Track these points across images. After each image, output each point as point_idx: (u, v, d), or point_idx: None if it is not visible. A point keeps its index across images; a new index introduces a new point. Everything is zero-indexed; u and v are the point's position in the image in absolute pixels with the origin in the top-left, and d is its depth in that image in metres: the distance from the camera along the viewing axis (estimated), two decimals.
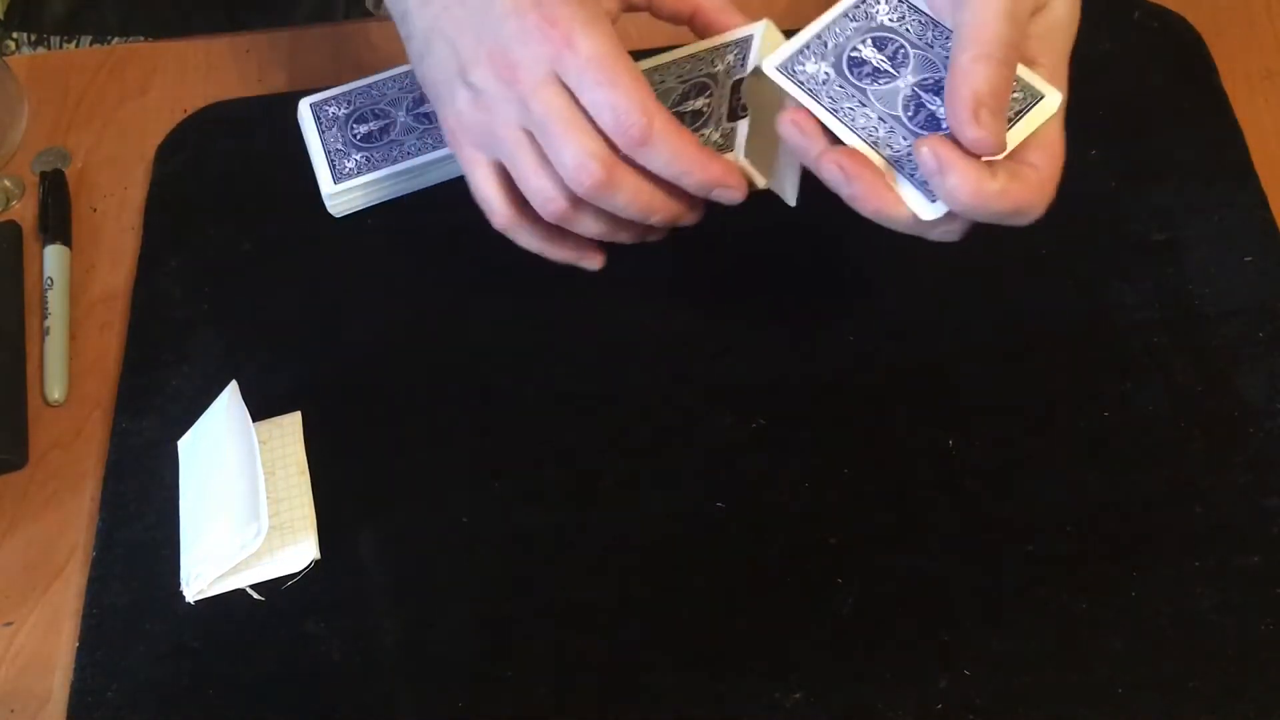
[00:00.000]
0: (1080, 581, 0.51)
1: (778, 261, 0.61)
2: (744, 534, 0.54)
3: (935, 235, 0.49)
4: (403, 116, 0.65)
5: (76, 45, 0.78)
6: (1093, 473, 0.54)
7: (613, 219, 0.53)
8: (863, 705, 0.50)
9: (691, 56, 0.56)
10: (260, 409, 0.58)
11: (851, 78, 0.49)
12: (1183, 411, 0.55)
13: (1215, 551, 0.52)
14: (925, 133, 0.47)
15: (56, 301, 0.63)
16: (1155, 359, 0.56)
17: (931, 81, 0.48)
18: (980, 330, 0.58)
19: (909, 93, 0.49)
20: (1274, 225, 0.60)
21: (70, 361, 0.62)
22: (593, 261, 0.57)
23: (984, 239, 0.61)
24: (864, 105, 0.49)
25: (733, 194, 0.51)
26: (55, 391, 0.61)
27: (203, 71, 0.72)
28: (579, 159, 0.49)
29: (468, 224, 0.64)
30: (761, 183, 0.53)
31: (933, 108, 0.48)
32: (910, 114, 0.48)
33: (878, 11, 0.50)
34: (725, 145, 0.52)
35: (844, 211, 0.63)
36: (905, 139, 0.48)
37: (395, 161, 0.64)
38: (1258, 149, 0.62)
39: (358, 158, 0.64)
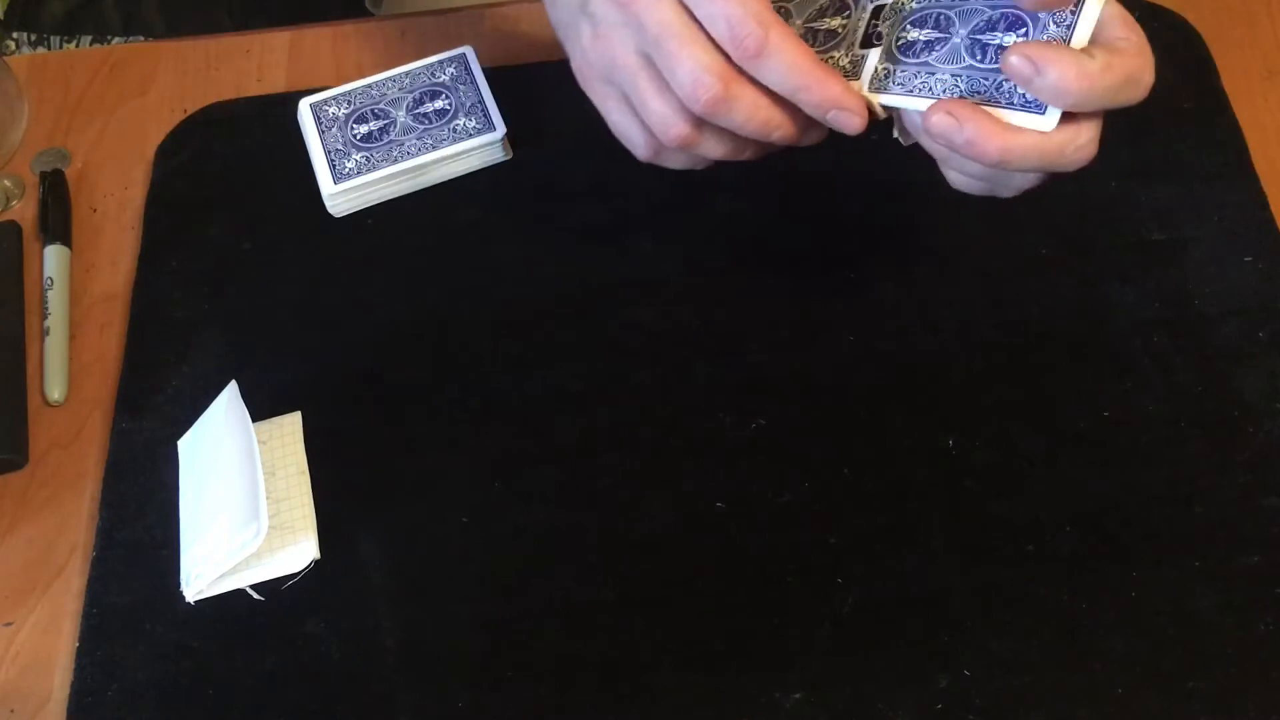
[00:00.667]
0: (1080, 581, 0.51)
1: (778, 261, 0.61)
2: (744, 534, 0.54)
3: (1070, 157, 0.46)
4: (403, 116, 0.65)
5: (76, 45, 0.78)
6: (1093, 473, 0.54)
7: (736, 138, 0.51)
8: (863, 705, 0.50)
9: None
10: (260, 409, 0.58)
11: (907, 59, 0.49)
12: (1183, 411, 0.55)
13: (1215, 551, 0.52)
14: (999, 66, 0.45)
15: (56, 301, 0.63)
16: (1155, 359, 0.56)
17: (983, 23, 0.47)
18: (980, 330, 0.58)
19: (967, 43, 0.47)
20: (1274, 225, 0.60)
21: (70, 361, 0.62)
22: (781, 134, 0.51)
23: (985, 239, 0.61)
24: (933, 74, 0.47)
25: (850, 119, 0.48)
26: (55, 391, 0.61)
27: (203, 71, 0.72)
28: (695, 74, 0.48)
29: (468, 224, 0.65)
30: (883, 113, 0.50)
31: (995, 42, 0.46)
32: (979, 57, 0.47)
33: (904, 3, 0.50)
34: (852, 73, 0.50)
35: (844, 212, 0.63)
36: (986, 78, 0.46)
37: (395, 161, 0.64)
38: (1258, 149, 0.62)
39: (358, 158, 0.64)
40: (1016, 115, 0.45)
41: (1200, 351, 0.56)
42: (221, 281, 0.64)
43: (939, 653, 0.50)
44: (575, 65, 0.53)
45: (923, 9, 0.49)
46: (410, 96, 0.66)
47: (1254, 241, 0.59)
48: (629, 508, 0.55)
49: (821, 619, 0.51)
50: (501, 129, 0.65)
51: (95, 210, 0.68)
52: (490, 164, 0.66)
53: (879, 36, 0.50)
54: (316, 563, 0.55)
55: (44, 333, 0.63)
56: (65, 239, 0.66)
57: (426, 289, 0.62)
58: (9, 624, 0.56)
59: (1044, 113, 0.45)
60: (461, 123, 0.65)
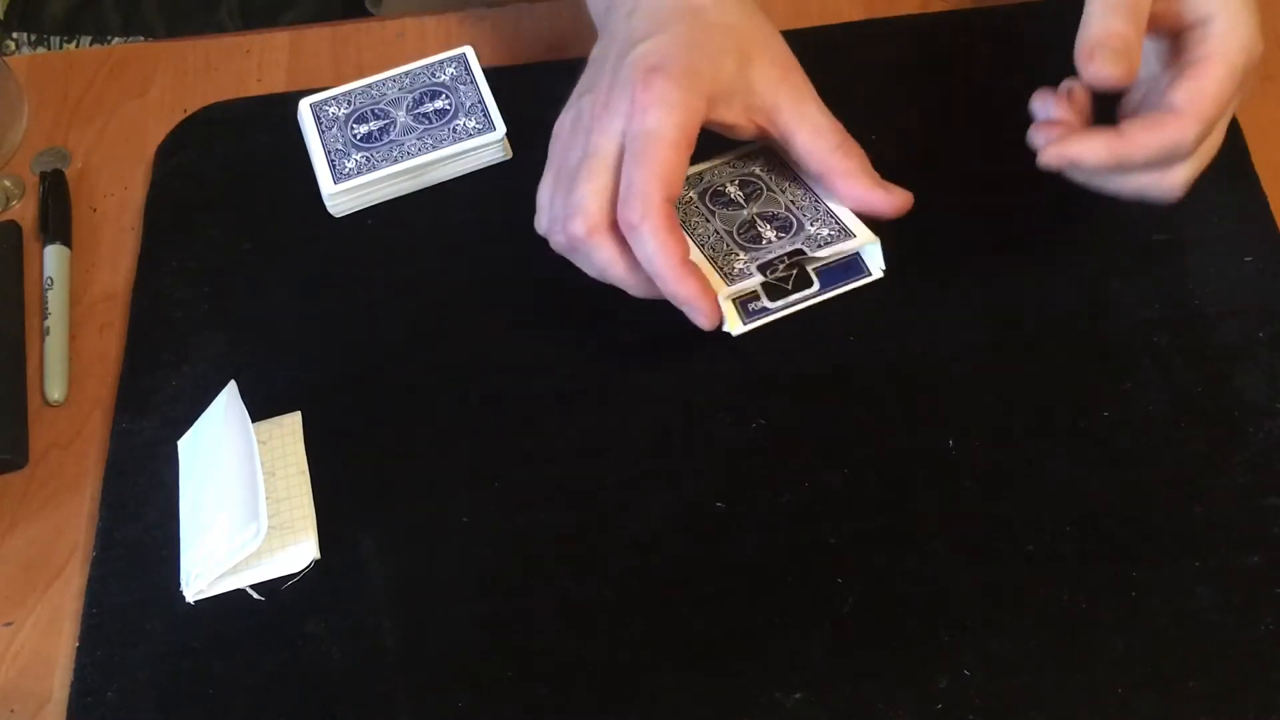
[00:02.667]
0: (1080, 581, 0.51)
1: None
2: (744, 534, 0.54)
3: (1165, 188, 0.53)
4: (403, 116, 0.65)
5: (76, 45, 0.78)
6: (1093, 473, 0.54)
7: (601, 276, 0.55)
8: (863, 705, 0.50)
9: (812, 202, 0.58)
10: (260, 409, 0.58)
11: (708, 203, 0.57)
12: (1183, 411, 0.55)
13: (1215, 551, 0.52)
14: (748, 246, 0.55)
15: (56, 301, 0.63)
16: (1155, 359, 0.56)
17: (769, 214, 0.56)
18: (980, 330, 0.58)
19: (747, 219, 0.56)
20: (1274, 225, 0.60)
21: (70, 361, 0.62)
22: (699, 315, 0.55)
23: (985, 239, 0.61)
24: (708, 221, 0.56)
25: (700, 318, 0.53)
26: (55, 391, 0.61)
27: (203, 71, 0.72)
28: (574, 206, 0.52)
29: (468, 224, 0.65)
30: (736, 330, 0.55)
31: (760, 229, 0.56)
32: (741, 232, 0.56)
33: (755, 164, 0.58)
34: (736, 276, 0.55)
35: None
36: (728, 246, 0.55)
37: (395, 161, 0.64)
38: (1258, 149, 0.62)
39: (358, 158, 0.64)
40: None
41: (1200, 351, 0.56)
42: (221, 281, 0.64)
43: (939, 653, 0.50)
44: (556, 126, 0.57)
45: (753, 175, 0.58)
46: (410, 96, 0.66)
47: (1254, 241, 0.59)
48: (629, 508, 0.55)
49: (821, 619, 0.51)
50: (501, 129, 0.65)
51: (95, 210, 0.68)
52: (490, 164, 0.66)
53: (781, 286, 0.55)
54: (316, 563, 0.55)
55: (44, 333, 0.63)
56: (65, 239, 0.66)
57: (426, 289, 0.62)
58: (9, 624, 0.56)
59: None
60: (462, 123, 0.65)
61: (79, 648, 0.54)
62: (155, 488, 0.58)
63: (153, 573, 0.55)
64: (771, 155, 0.59)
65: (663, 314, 0.60)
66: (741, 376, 0.58)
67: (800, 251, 0.54)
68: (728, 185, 0.57)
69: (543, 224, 0.56)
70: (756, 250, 0.55)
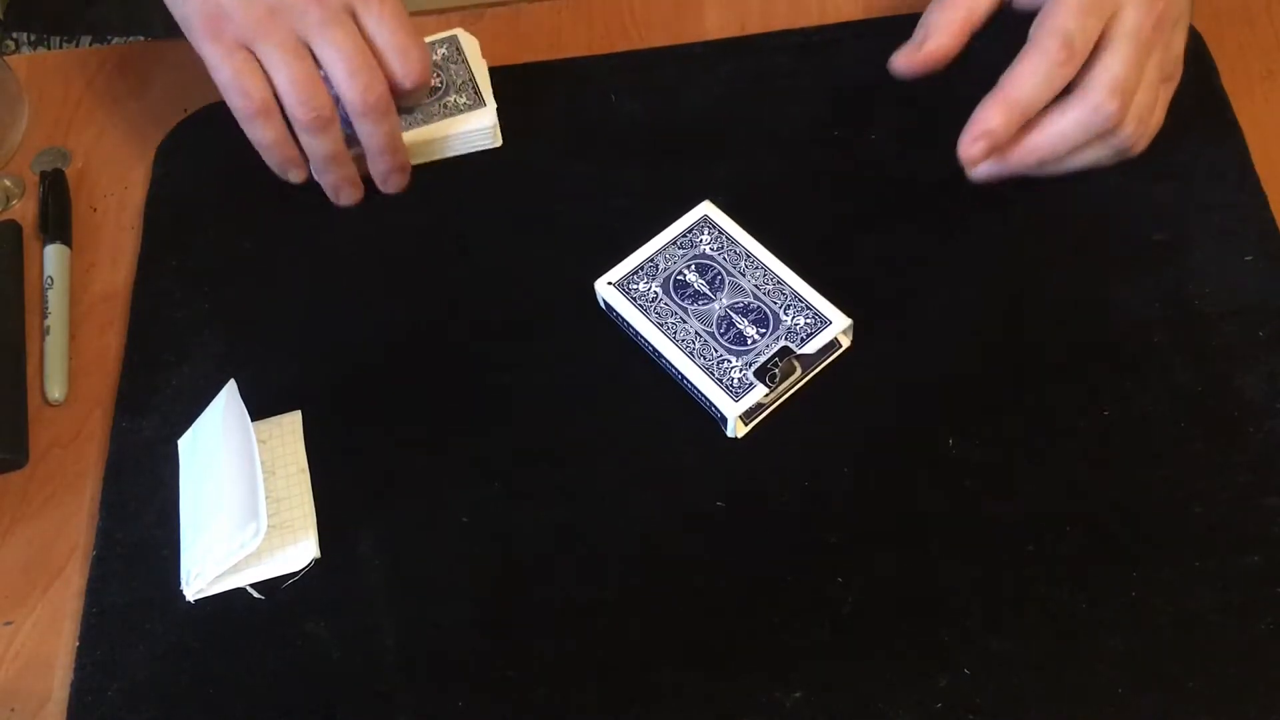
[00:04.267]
0: (1080, 581, 0.51)
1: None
2: (744, 534, 0.54)
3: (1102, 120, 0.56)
4: None
5: (76, 45, 0.78)
6: (1093, 473, 0.54)
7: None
8: (863, 705, 0.50)
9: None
10: (260, 408, 0.58)
11: (676, 297, 0.58)
12: (1183, 411, 0.55)
13: (1215, 551, 0.52)
14: (732, 348, 0.56)
15: (56, 301, 0.63)
16: (1155, 359, 0.56)
17: (740, 305, 0.57)
18: (980, 330, 0.58)
19: (722, 313, 0.57)
20: (1274, 225, 0.60)
21: (70, 361, 0.62)
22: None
23: (984, 239, 0.61)
24: (685, 322, 0.57)
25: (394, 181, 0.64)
26: (55, 391, 0.61)
27: (203, 71, 0.72)
28: (356, 84, 0.59)
29: (467, 224, 0.65)
30: (742, 434, 0.57)
31: (740, 327, 0.56)
32: (722, 331, 0.56)
33: (701, 241, 0.59)
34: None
35: (843, 211, 0.63)
36: (716, 350, 0.56)
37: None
38: (1258, 149, 0.62)
39: (346, 133, 0.64)
40: (715, 389, 0.55)
41: (1200, 351, 0.56)
42: (221, 281, 0.64)
43: (939, 653, 0.50)
44: (204, 13, 0.60)
45: (710, 256, 0.59)
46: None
47: (1254, 241, 0.59)
48: (628, 507, 0.55)
49: (821, 619, 0.51)
50: (492, 105, 0.65)
51: (95, 210, 0.68)
52: (482, 148, 0.66)
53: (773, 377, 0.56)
54: (316, 562, 0.55)
55: (44, 332, 0.63)
56: (65, 239, 0.66)
57: (426, 289, 0.62)
58: (9, 624, 0.56)
59: (736, 402, 0.55)
60: (452, 99, 0.65)
61: (79, 647, 0.54)
62: (155, 487, 0.58)
63: (153, 572, 0.55)
64: (710, 227, 0.60)
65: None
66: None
67: (788, 349, 0.56)
68: (686, 273, 0.58)
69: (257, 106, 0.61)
70: (744, 352, 0.56)
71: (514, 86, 0.67)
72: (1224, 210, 0.60)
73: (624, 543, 0.54)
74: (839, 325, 0.56)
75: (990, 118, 0.55)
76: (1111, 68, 0.54)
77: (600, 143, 0.66)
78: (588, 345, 0.60)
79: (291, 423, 0.58)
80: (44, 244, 0.65)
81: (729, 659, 0.51)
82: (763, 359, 0.56)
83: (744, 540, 0.54)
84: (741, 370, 0.55)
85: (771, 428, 0.56)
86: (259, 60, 0.59)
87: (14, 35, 0.79)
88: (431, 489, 0.56)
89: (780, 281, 0.58)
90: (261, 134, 0.61)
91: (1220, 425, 0.54)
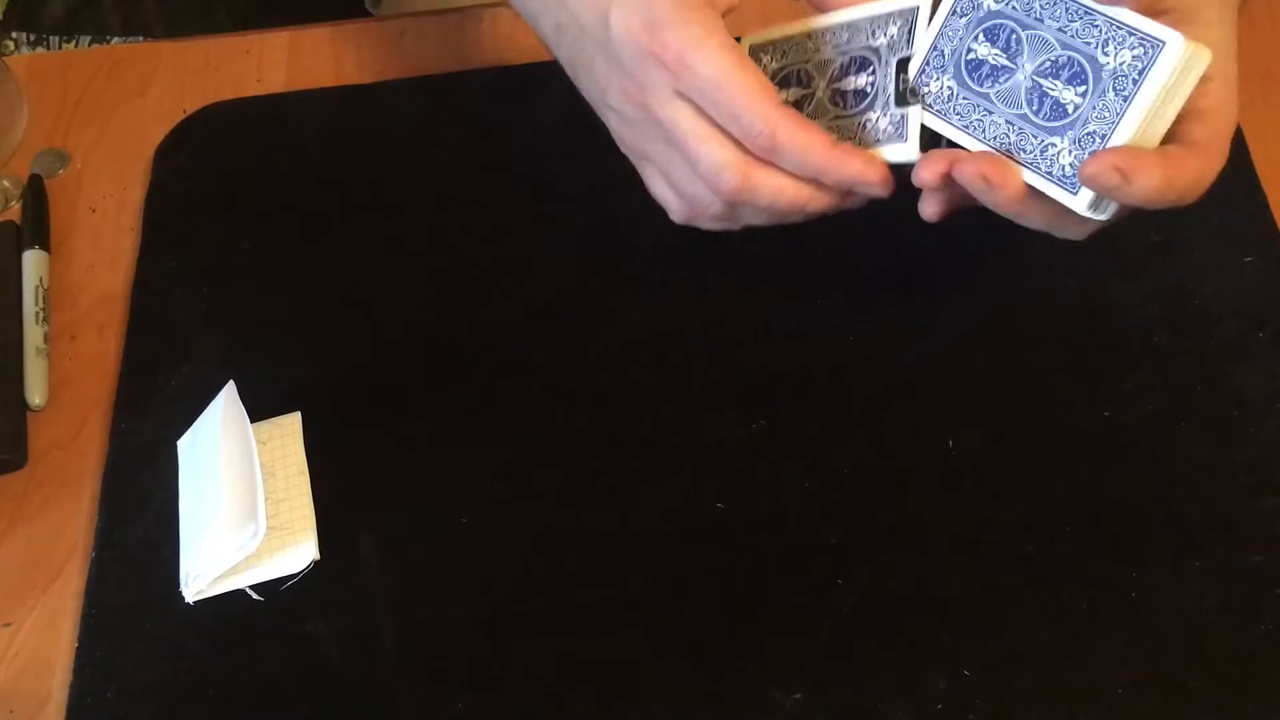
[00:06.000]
0: (1080, 581, 0.51)
1: (778, 261, 0.61)
2: (744, 534, 0.54)
3: (1076, 230, 0.49)
4: (822, 89, 0.54)
5: (76, 45, 0.78)
6: (1093, 473, 0.54)
7: (775, 211, 0.52)
8: (863, 705, 0.50)
9: (848, 25, 0.52)
10: (260, 409, 0.58)
11: (973, 84, 0.48)
12: (1183, 411, 0.55)
13: (1215, 551, 0.52)
14: (1052, 126, 0.45)
15: (29, 307, 0.63)
16: (1155, 359, 0.56)
17: (1048, 65, 0.46)
18: (980, 330, 0.58)
19: (1029, 84, 0.46)
20: (1274, 225, 0.60)
21: (65, 363, 0.62)
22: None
23: (984, 239, 0.61)
24: (990, 113, 0.47)
25: (875, 190, 0.50)
26: (36, 397, 0.60)
27: (202, 71, 0.72)
28: (713, 170, 0.50)
29: (467, 224, 0.64)
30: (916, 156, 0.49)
31: (1054, 94, 0.46)
32: (1035, 108, 0.46)
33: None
34: (896, 135, 0.50)
35: (844, 211, 0.63)
36: (1035, 136, 0.46)
37: None
38: (1258, 149, 0.62)
39: None
40: (1048, 185, 0.46)
41: (1200, 351, 0.56)
42: (221, 281, 0.64)
43: (939, 653, 0.50)
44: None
45: (997, 13, 0.48)
46: (839, 61, 0.53)
47: (1254, 241, 0.59)
48: (628, 508, 0.55)
49: (821, 619, 0.51)
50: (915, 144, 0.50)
51: (95, 210, 0.68)
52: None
53: (914, 94, 0.50)
54: (316, 563, 0.55)
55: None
56: (43, 244, 0.65)
57: (426, 289, 0.62)
58: (8, 624, 0.55)
59: (1075, 193, 0.45)
60: (875, 119, 0.51)
61: (78, 648, 0.54)
62: (154, 488, 0.58)
63: (152, 573, 0.55)
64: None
65: (662, 314, 0.60)
66: (741, 376, 0.58)
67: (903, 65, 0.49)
68: (975, 47, 0.48)
69: (685, 212, 0.54)
70: (1067, 126, 0.45)
71: (514, 87, 0.67)
72: (1224, 210, 0.60)
73: (624, 543, 0.54)
74: (1175, 47, 0.43)
75: (1147, 171, 0.44)
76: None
77: (601, 142, 0.66)
78: (588, 345, 0.60)
79: (291, 424, 0.58)
80: (21, 250, 0.65)
81: (729, 659, 0.51)
82: (1092, 126, 0.44)
83: (744, 540, 0.54)
84: (1071, 151, 0.45)
85: (772, 427, 0.56)
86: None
87: (14, 35, 0.78)
88: (431, 489, 0.56)
89: (1088, 11, 0.45)
90: (711, 228, 0.55)
91: (1220, 425, 0.54)
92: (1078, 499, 0.53)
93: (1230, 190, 0.60)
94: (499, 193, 0.65)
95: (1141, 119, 0.44)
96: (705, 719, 0.50)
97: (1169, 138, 0.45)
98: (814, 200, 0.51)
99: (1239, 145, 0.62)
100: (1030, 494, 0.54)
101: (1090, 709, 0.49)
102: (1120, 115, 0.44)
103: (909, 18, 0.50)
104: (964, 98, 0.48)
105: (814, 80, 0.53)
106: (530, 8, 0.55)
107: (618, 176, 0.65)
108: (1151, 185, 0.44)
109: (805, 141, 0.49)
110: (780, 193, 0.51)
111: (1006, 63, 0.47)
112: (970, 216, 0.61)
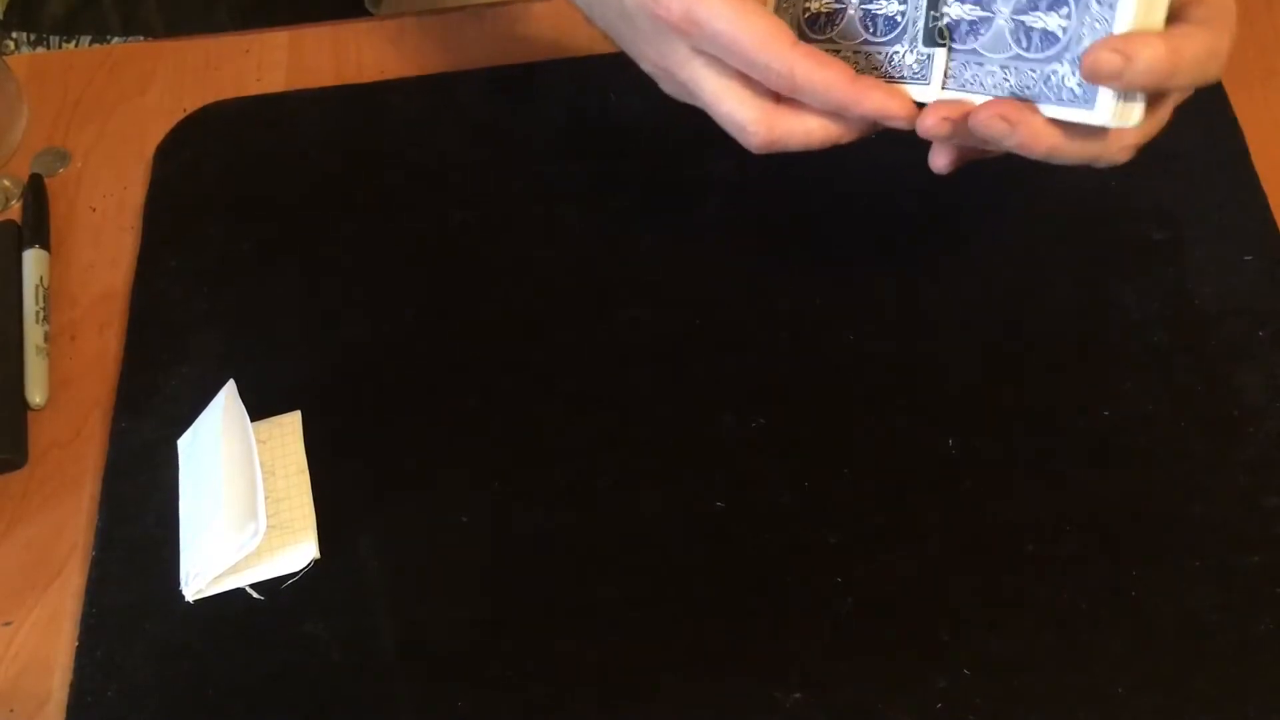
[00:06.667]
0: (1080, 581, 0.51)
1: (778, 261, 0.61)
2: (744, 534, 0.54)
3: (1113, 156, 0.48)
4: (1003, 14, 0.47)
5: (76, 45, 0.78)
6: (1093, 473, 0.54)
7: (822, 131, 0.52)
8: (863, 705, 0.50)
9: None
10: (260, 409, 0.58)
11: (956, 44, 0.48)
12: (1183, 411, 0.55)
13: (1215, 551, 0.52)
14: (1048, 55, 0.45)
15: (29, 307, 0.63)
16: (1155, 359, 0.56)
17: (1024, 1, 0.45)
18: (980, 330, 0.58)
19: (1012, 25, 0.46)
20: (1274, 225, 0.60)
21: (66, 362, 0.62)
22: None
23: (984, 238, 0.61)
24: (982, 65, 0.47)
25: (900, 124, 0.50)
26: (36, 396, 0.60)
27: (202, 71, 0.72)
28: (739, 127, 0.50)
29: (467, 224, 0.65)
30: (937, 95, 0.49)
31: (1040, 25, 0.45)
32: (1025, 45, 0.45)
33: None
34: (919, 74, 0.49)
35: (844, 212, 0.63)
36: (1035, 70, 0.45)
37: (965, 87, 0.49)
38: (1258, 149, 0.62)
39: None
40: (1065, 110, 0.45)
41: (1200, 351, 0.56)
42: (221, 281, 0.64)
43: (939, 653, 0.50)
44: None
45: None
46: None
47: (1254, 241, 0.59)
48: (629, 508, 0.55)
49: (821, 619, 0.51)
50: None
51: (95, 210, 0.68)
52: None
53: (942, 35, 0.49)
54: (316, 563, 0.55)
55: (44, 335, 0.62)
56: (44, 243, 0.65)
57: (426, 289, 0.62)
58: (8, 624, 0.56)
59: (1093, 107, 0.44)
60: (1064, 73, 0.45)
61: (78, 648, 0.54)
62: (154, 488, 0.58)
63: (152, 572, 0.55)
64: None
65: (662, 314, 0.60)
66: (741, 376, 0.58)
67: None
68: (947, 6, 0.48)
69: (751, 141, 0.51)
70: (1063, 51, 0.44)
71: (514, 87, 0.67)
72: (1224, 210, 0.60)
73: (624, 543, 0.54)
74: None
75: (1147, 47, 0.43)
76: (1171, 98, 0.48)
77: (600, 142, 0.66)
78: (588, 345, 0.60)
79: (291, 423, 0.58)
80: (21, 249, 0.65)
81: (729, 659, 0.51)
82: (1086, 42, 0.43)
83: (744, 540, 0.54)
84: (1075, 72, 0.44)
85: (772, 427, 0.56)
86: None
87: (14, 35, 0.78)
88: (431, 489, 0.56)
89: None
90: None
91: (1220, 425, 0.54)
92: (1078, 499, 0.53)
93: (1230, 190, 0.61)
94: (499, 193, 0.65)
95: (1134, 16, 0.43)
96: (705, 719, 0.50)
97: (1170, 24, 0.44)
98: (845, 135, 0.51)
99: (1239, 145, 0.62)
100: (1030, 494, 0.54)
101: (1090, 709, 0.49)
102: (1110, 21, 0.44)
103: None
104: (952, 63, 0.48)
105: (846, 3, 0.52)
106: None
107: (618, 176, 0.65)
108: (1156, 59, 0.43)
109: (824, 78, 0.48)
110: (810, 135, 0.51)
111: (983, 13, 0.47)
112: (971, 216, 0.62)
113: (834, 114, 0.50)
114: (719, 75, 0.50)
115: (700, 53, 0.50)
